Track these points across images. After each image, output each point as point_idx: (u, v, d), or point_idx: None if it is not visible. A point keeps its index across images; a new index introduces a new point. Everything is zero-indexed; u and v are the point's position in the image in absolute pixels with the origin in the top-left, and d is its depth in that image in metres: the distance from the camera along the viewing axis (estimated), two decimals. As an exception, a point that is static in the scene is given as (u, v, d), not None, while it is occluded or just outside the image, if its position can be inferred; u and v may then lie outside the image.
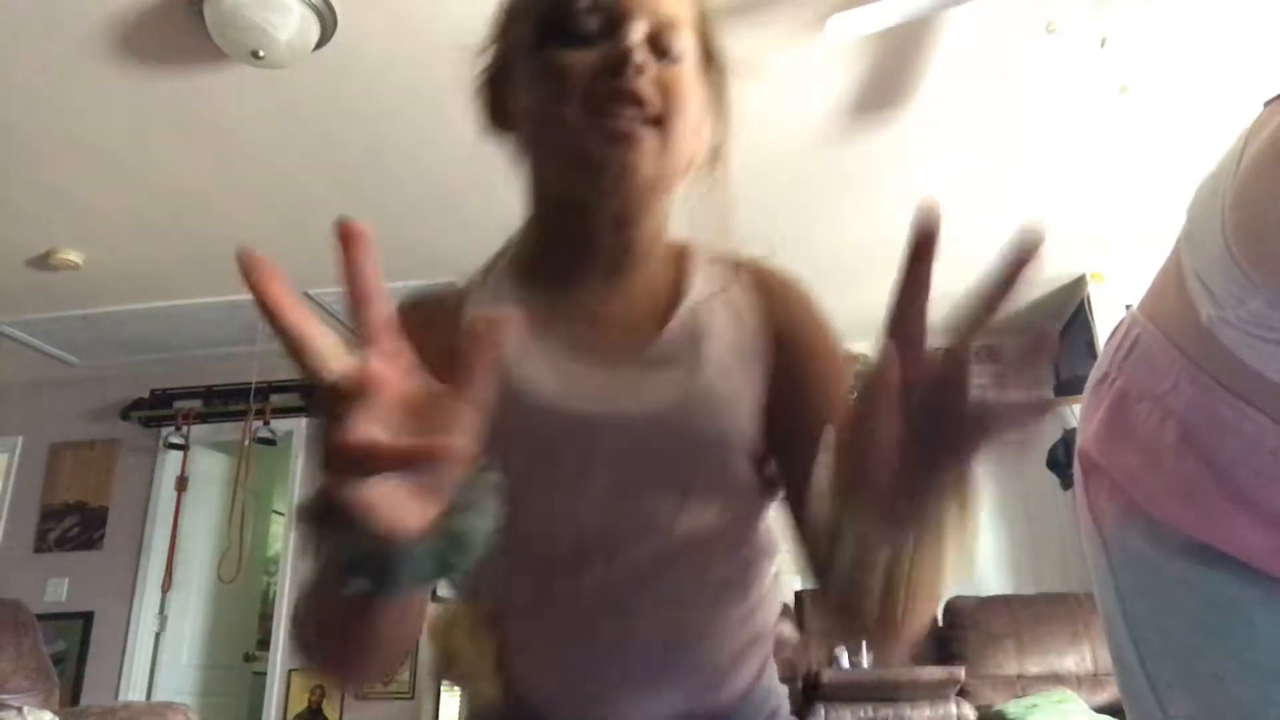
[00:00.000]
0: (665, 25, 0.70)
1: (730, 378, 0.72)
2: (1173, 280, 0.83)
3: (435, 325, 0.68)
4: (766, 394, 0.74)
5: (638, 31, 0.68)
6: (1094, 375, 0.91)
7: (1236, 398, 0.76)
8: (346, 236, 0.44)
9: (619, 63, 0.66)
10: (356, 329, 0.43)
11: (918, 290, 0.47)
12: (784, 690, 0.82)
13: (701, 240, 0.79)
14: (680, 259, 0.78)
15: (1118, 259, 4.15)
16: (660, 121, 0.68)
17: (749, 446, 0.72)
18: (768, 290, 0.78)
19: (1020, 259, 0.46)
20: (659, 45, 0.70)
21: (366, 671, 0.62)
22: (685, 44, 0.72)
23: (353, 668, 0.61)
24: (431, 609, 0.66)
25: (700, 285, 0.76)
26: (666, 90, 0.68)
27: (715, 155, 0.80)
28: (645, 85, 0.67)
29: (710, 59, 0.78)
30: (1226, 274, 0.72)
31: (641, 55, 0.67)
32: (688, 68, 0.72)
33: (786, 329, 0.76)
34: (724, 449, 0.71)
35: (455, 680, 0.73)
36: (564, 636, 0.71)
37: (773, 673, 0.81)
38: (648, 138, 0.67)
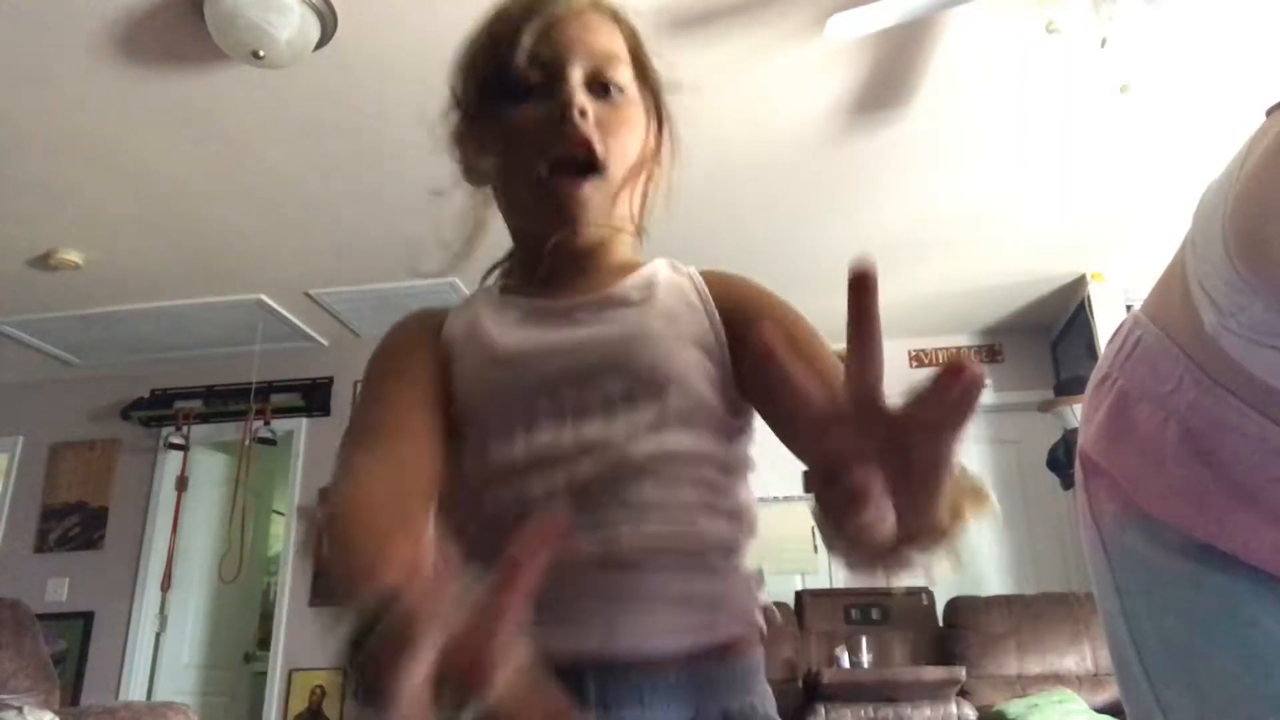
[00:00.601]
0: (602, 63, 0.77)
1: (675, 323, 0.77)
2: (1177, 284, 0.83)
3: (422, 332, 0.82)
4: (742, 372, 0.77)
5: (577, 77, 0.76)
6: (1095, 376, 0.92)
7: (1239, 400, 0.76)
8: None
9: (563, 113, 0.74)
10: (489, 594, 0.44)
11: (866, 339, 0.44)
12: (768, 694, 0.78)
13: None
14: (638, 264, 0.85)
15: (1118, 259, 4.16)
16: (600, 164, 0.75)
17: (696, 381, 0.76)
18: (719, 280, 0.83)
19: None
20: (598, 82, 0.77)
21: None
22: (622, 77, 0.79)
23: None
24: None
25: (655, 268, 0.83)
26: (608, 127, 0.76)
27: (668, 162, 0.85)
28: (589, 128, 0.74)
29: (648, 81, 0.83)
30: (1227, 280, 0.72)
31: (581, 99, 0.75)
32: (628, 99, 0.79)
33: (740, 306, 0.79)
34: (665, 379, 0.74)
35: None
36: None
37: (760, 663, 0.78)
38: (590, 187, 0.75)
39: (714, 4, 2.57)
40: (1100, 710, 3.53)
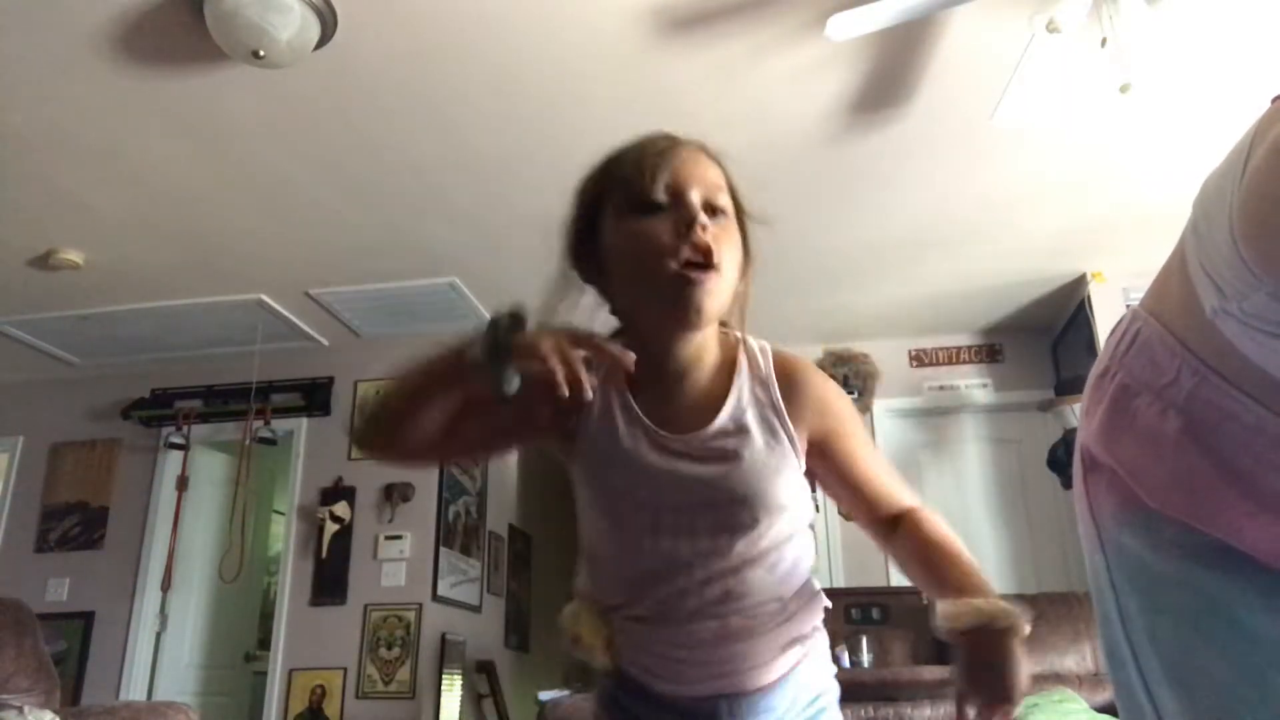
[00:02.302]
0: (713, 191, 1.01)
1: (763, 455, 1.03)
2: (1176, 275, 0.83)
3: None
4: (812, 454, 1.08)
5: (697, 200, 0.99)
6: (1095, 371, 0.92)
7: (1238, 390, 0.76)
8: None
9: (689, 225, 0.97)
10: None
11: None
12: (834, 687, 1.10)
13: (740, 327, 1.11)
14: (728, 360, 1.09)
15: (1118, 259, 4.16)
16: (718, 267, 0.98)
17: (778, 504, 1.02)
18: (791, 386, 1.08)
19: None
20: (710, 207, 1.00)
21: (419, 446, 1.02)
22: (725, 203, 1.02)
23: (413, 441, 1.01)
24: (568, 607, 1.07)
25: (741, 385, 1.07)
26: (719, 241, 0.99)
27: (747, 277, 1.07)
28: (708, 238, 0.97)
29: (738, 209, 1.06)
30: (1231, 266, 0.72)
31: (703, 217, 0.98)
32: (730, 220, 1.03)
33: (813, 421, 1.07)
34: (755, 507, 1.01)
35: (581, 655, 1.03)
36: (651, 628, 1.02)
37: (818, 669, 1.08)
38: (712, 282, 0.97)
39: (714, 4, 2.57)
40: (1100, 710, 3.53)
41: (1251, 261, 0.70)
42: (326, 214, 3.66)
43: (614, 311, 1.08)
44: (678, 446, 1.03)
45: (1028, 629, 0.92)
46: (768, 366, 1.08)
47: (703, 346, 1.06)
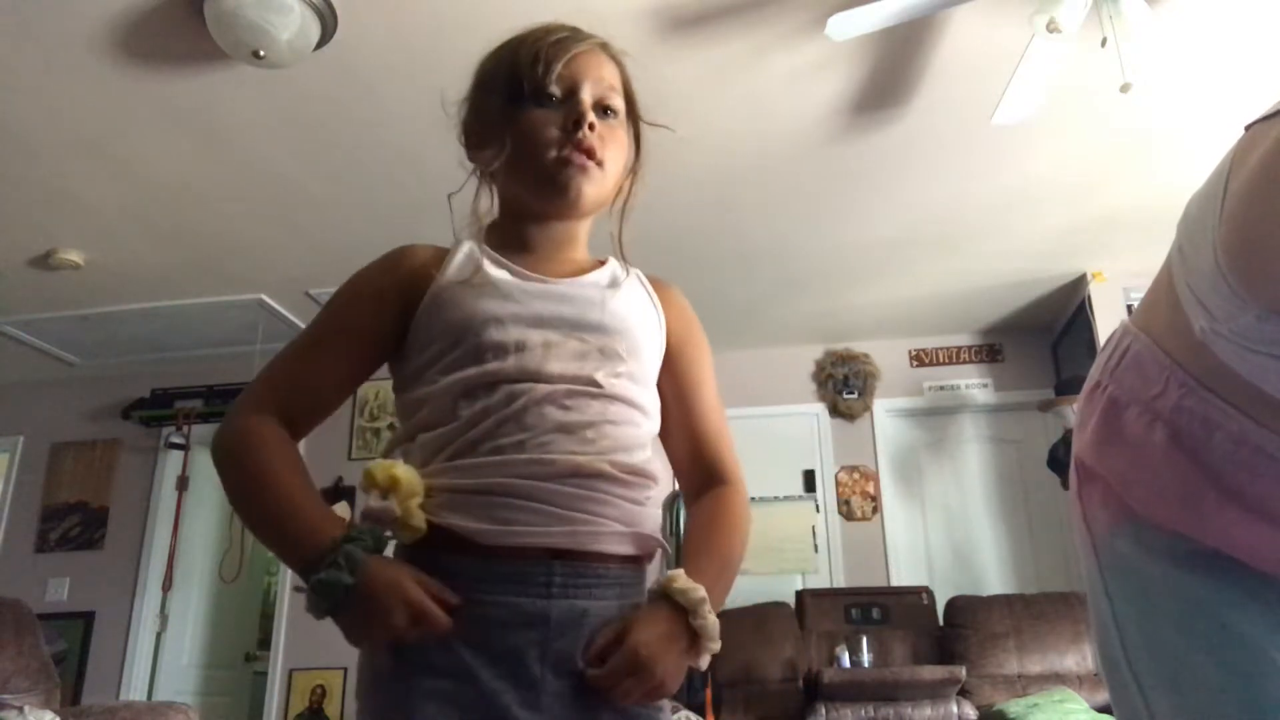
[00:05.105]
0: (605, 91, 1.02)
1: (642, 313, 1.05)
2: (1164, 292, 0.85)
3: (416, 263, 1.04)
4: (663, 366, 1.07)
5: (588, 98, 1.00)
6: (1087, 384, 0.95)
7: (1222, 401, 0.78)
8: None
9: (577, 123, 0.98)
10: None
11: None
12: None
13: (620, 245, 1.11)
14: (599, 264, 1.09)
15: (1118, 259, 4.16)
16: (601, 164, 1.00)
17: (650, 357, 1.04)
18: (665, 295, 1.10)
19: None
20: (600, 105, 1.01)
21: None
22: (617, 104, 1.04)
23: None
24: (377, 461, 0.92)
25: (614, 268, 1.09)
26: (605, 141, 1.00)
27: (634, 176, 1.09)
28: (594, 139, 0.99)
29: (633, 111, 1.08)
30: (1218, 291, 0.74)
31: (591, 116, 0.99)
32: (619, 122, 1.04)
33: (677, 329, 1.09)
34: (635, 347, 1.00)
35: (385, 513, 0.89)
36: (504, 456, 0.91)
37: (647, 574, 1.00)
38: (594, 172, 0.99)
39: (714, 4, 2.57)
40: (1101, 710, 3.53)
41: (1237, 286, 0.71)
42: (326, 214, 3.66)
43: (500, 199, 1.07)
44: (552, 283, 1.01)
45: (711, 649, 0.89)
46: (641, 276, 1.10)
47: (575, 240, 1.07)
